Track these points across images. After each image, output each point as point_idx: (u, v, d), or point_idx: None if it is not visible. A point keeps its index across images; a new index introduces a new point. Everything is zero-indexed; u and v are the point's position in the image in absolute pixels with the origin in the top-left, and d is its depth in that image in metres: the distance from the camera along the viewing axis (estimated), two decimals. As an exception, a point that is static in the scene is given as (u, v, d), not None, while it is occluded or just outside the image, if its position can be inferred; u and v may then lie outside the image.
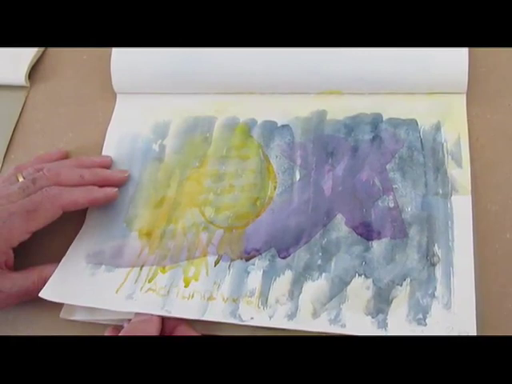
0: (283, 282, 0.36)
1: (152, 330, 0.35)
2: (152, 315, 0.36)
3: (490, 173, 0.38)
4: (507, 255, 0.36)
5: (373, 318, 0.34)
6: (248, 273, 0.37)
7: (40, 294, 0.37)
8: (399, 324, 0.33)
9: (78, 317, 0.38)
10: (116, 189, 0.41)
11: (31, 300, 0.38)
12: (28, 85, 0.48)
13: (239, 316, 0.35)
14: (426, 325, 0.33)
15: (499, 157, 0.39)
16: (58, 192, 0.38)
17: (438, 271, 0.35)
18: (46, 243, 0.41)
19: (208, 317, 0.35)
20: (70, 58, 0.49)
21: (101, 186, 0.40)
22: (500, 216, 0.37)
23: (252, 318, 0.35)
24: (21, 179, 0.40)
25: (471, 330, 0.32)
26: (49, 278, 0.38)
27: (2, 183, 0.40)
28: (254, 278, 0.36)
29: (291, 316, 0.35)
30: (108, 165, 0.43)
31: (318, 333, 0.34)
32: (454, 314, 0.33)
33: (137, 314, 0.36)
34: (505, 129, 0.40)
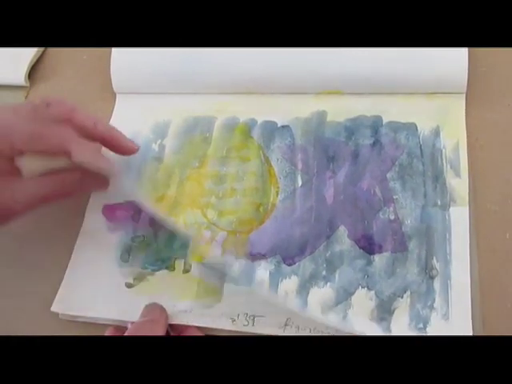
0: (290, 283, 0.37)
1: (159, 331, 0.35)
2: (160, 312, 0.36)
3: (489, 173, 0.38)
4: (507, 255, 0.36)
5: (377, 324, 0.35)
6: (255, 270, 0.37)
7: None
8: (402, 330, 0.35)
9: (73, 312, 0.38)
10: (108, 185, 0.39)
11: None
12: (28, 85, 0.48)
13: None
14: (426, 333, 0.34)
15: (499, 156, 0.39)
16: (69, 137, 0.35)
17: (437, 284, 0.35)
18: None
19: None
20: (69, 58, 0.49)
21: (109, 147, 0.38)
22: (500, 216, 0.37)
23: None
24: (38, 101, 0.38)
25: None
26: (67, 181, 0.37)
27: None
28: (263, 274, 0.37)
29: (302, 308, 0.36)
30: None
31: (330, 328, 0.35)
32: (451, 325, 0.34)
33: (144, 309, 0.36)
34: (504, 128, 0.40)
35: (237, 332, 0.36)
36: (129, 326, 0.37)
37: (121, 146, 0.39)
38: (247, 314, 0.36)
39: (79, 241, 0.41)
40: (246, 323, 0.36)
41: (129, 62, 0.45)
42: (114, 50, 0.45)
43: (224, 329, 0.36)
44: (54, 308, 0.38)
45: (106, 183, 0.39)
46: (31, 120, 0.36)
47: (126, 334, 0.35)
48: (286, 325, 0.36)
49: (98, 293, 0.39)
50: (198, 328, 0.36)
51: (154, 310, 0.37)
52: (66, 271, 0.40)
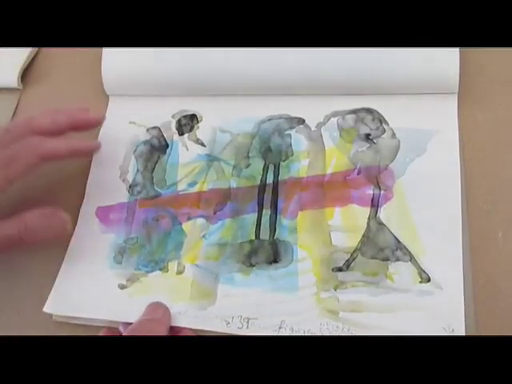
0: None
1: (160, 330, 0.35)
2: (163, 311, 0.36)
3: (482, 172, 0.38)
4: (500, 254, 0.36)
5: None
6: None
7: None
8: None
9: (65, 313, 0.38)
10: (99, 141, 0.41)
11: (12, 250, 0.37)
12: (21, 87, 0.48)
13: None
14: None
15: (491, 156, 0.39)
16: (38, 142, 0.37)
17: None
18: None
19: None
20: (62, 60, 0.49)
21: (79, 128, 0.40)
22: (492, 215, 0.37)
23: None
24: None
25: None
26: (28, 223, 0.37)
27: None
28: None
29: None
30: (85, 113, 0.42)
31: None
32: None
33: (147, 308, 0.37)
34: (496, 128, 0.40)
35: (231, 335, 0.36)
36: (120, 327, 0.37)
37: (88, 123, 0.41)
38: (241, 317, 0.36)
39: (73, 242, 0.41)
40: (241, 326, 0.36)
41: (120, 65, 0.45)
42: (105, 52, 0.45)
43: (218, 331, 0.36)
44: (47, 308, 0.38)
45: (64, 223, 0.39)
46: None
47: (126, 332, 0.35)
48: (280, 327, 0.36)
49: (90, 294, 0.39)
50: (192, 330, 0.36)
51: (158, 308, 0.37)
52: (59, 272, 0.40)
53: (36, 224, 0.37)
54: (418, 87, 0.41)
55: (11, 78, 0.48)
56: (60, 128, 0.39)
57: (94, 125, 0.41)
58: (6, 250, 0.37)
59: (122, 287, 0.39)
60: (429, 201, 0.38)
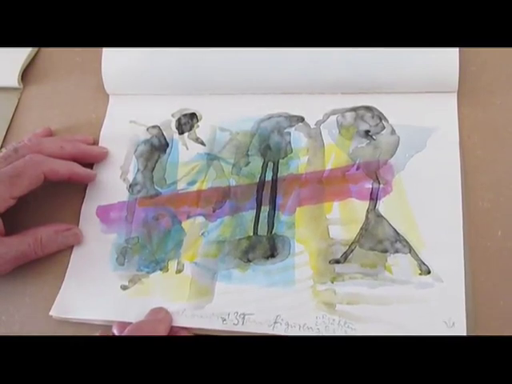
0: None
1: (161, 330, 0.36)
2: (165, 313, 0.37)
3: (481, 170, 0.38)
4: (499, 253, 0.36)
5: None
6: None
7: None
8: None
9: (71, 315, 0.38)
10: (95, 172, 0.43)
11: (26, 263, 0.39)
12: (21, 86, 0.48)
13: None
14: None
15: (490, 154, 0.39)
16: (41, 159, 0.39)
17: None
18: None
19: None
20: (62, 60, 0.49)
21: (81, 160, 0.42)
22: (492, 214, 0.37)
23: None
24: (4, 151, 0.41)
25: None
26: (43, 239, 0.39)
27: None
28: None
29: None
30: (89, 143, 0.44)
31: None
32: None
33: (150, 311, 0.37)
34: (495, 126, 0.40)
35: (227, 332, 0.36)
36: (114, 329, 0.37)
37: (92, 156, 0.43)
38: (237, 313, 0.36)
39: (77, 245, 0.41)
40: (236, 322, 0.36)
41: (119, 64, 0.45)
42: (105, 51, 0.45)
43: (214, 329, 0.36)
44: (53, 312, 0.38)
45: (78, 238, 0.41)
46: (5, 167, 0.38)
47: (128, 331, 0.35)
48: (275, 322, 0.36)
49: (95, 297, 0.39)
50: (189, 330, 0.37)
51: (160, 311, 0.37)
52: (66, 277, 0.40)
53: (51, 240, 0.39)
54: (417, 86, 0.41)
55: (11, 78, 0.48)
56: (65, 156, 0.41)
57: (96, 160, 0.43)
58: (19, 264, 0.38)
59: (124, 288, 0.39)
60: (429, 195, 0.38)
